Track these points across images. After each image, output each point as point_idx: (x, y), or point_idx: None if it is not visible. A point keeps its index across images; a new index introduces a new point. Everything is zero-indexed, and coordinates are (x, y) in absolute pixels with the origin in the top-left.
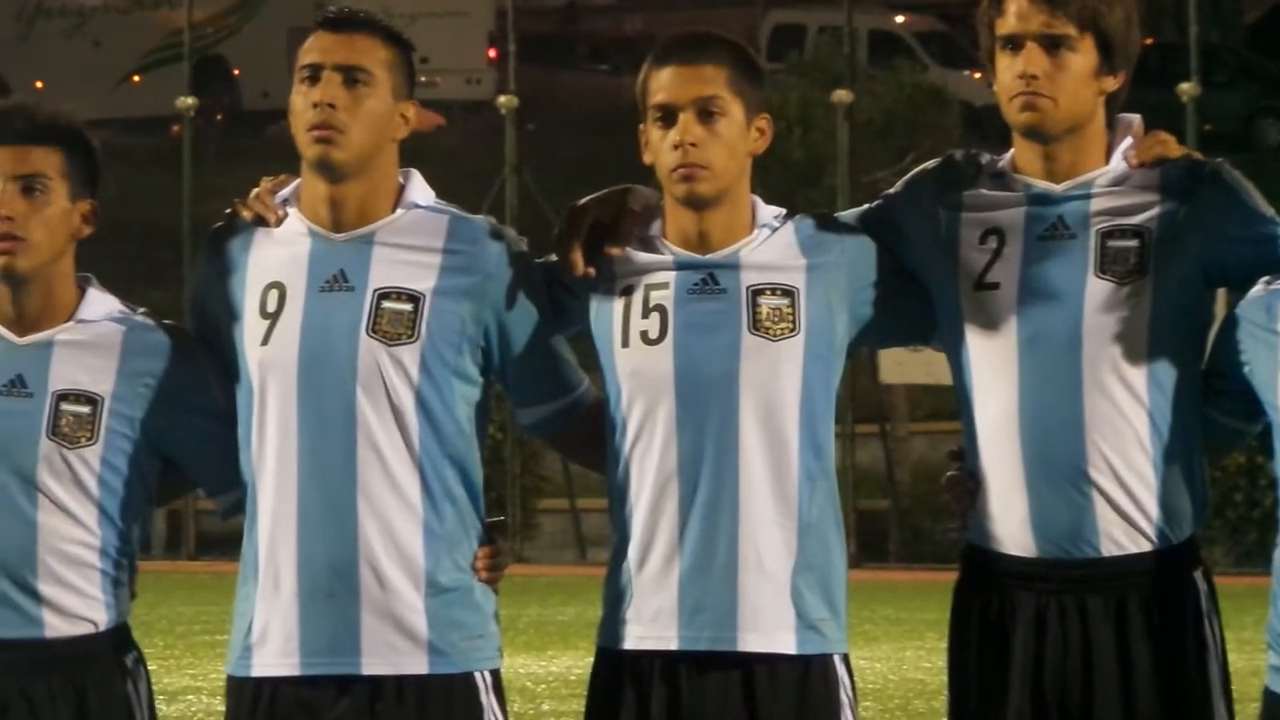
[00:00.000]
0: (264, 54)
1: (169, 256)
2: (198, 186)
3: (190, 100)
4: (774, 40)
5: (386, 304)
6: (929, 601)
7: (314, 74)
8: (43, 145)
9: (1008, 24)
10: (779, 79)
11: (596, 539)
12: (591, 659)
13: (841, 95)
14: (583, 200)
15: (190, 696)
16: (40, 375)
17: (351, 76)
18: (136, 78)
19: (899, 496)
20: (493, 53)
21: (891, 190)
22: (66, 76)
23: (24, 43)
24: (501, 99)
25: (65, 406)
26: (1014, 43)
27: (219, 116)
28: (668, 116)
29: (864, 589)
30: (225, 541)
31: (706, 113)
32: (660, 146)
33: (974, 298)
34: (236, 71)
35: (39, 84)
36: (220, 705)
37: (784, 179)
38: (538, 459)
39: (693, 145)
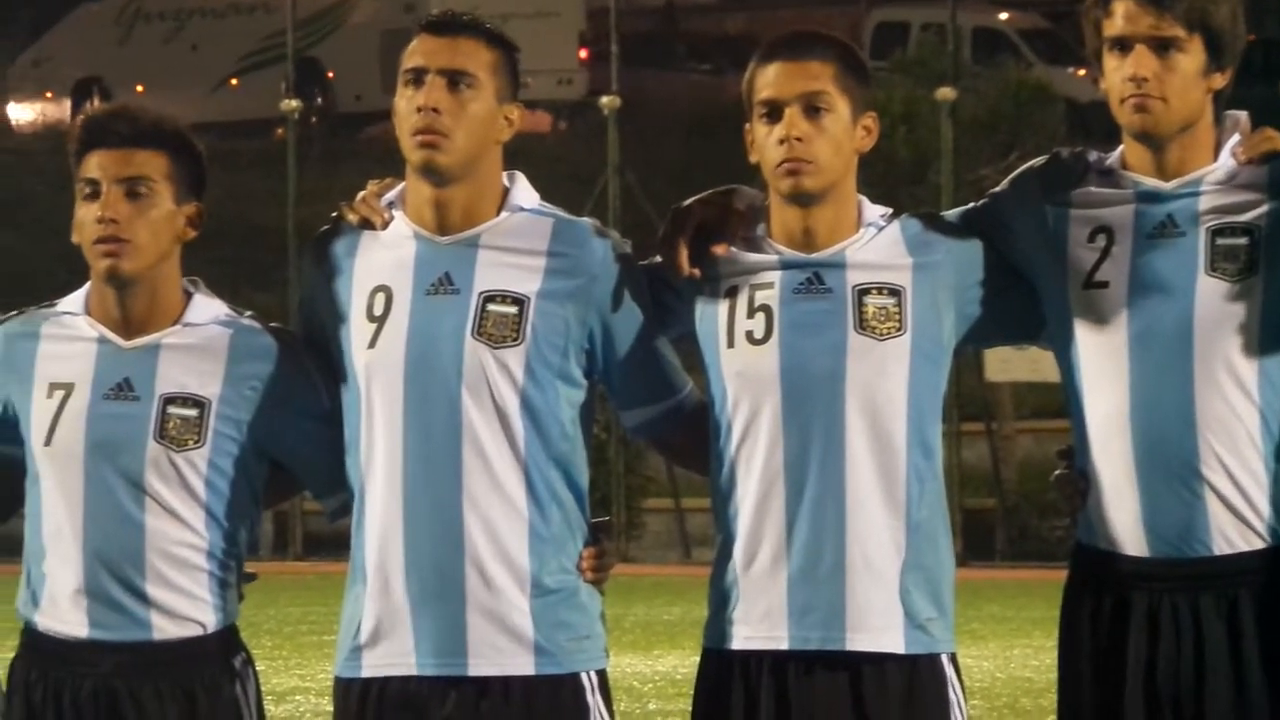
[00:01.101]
0: (357, 57)
1: (272, 259)
2: (299, 189)
3: (295, 103)
4: (877, 38)
5: (492, 307)
6: (1035, 600)
7: (418, 78)
8: (147, 148)
9: (1116, 25)
10: (882, 77)
11: (701, 538)
12: (697, 658)
13: (945, 93)
14: (687, 201)
15: (298, 697)
16: (147, 379)
17: (455, 80)
18: (234, 81)
19: (1005, 495)
20: (584, 53)
21: (998, 188)
22: (165, 80)
23: (123, 47)
24: (604, 99)
25: (172, 410)
26: (1122, 44)
27: (313, 119)
28: (773, 113)
29: (970, 588)
30: (332, 542)
31: (813, 108)
32: (766, 143)
33: (1083, 296)
34: (330, 74)
35: (139, 88)
36: (328, 705)
37: (888, 177)
38: (642, 459)
39: (798, 140)
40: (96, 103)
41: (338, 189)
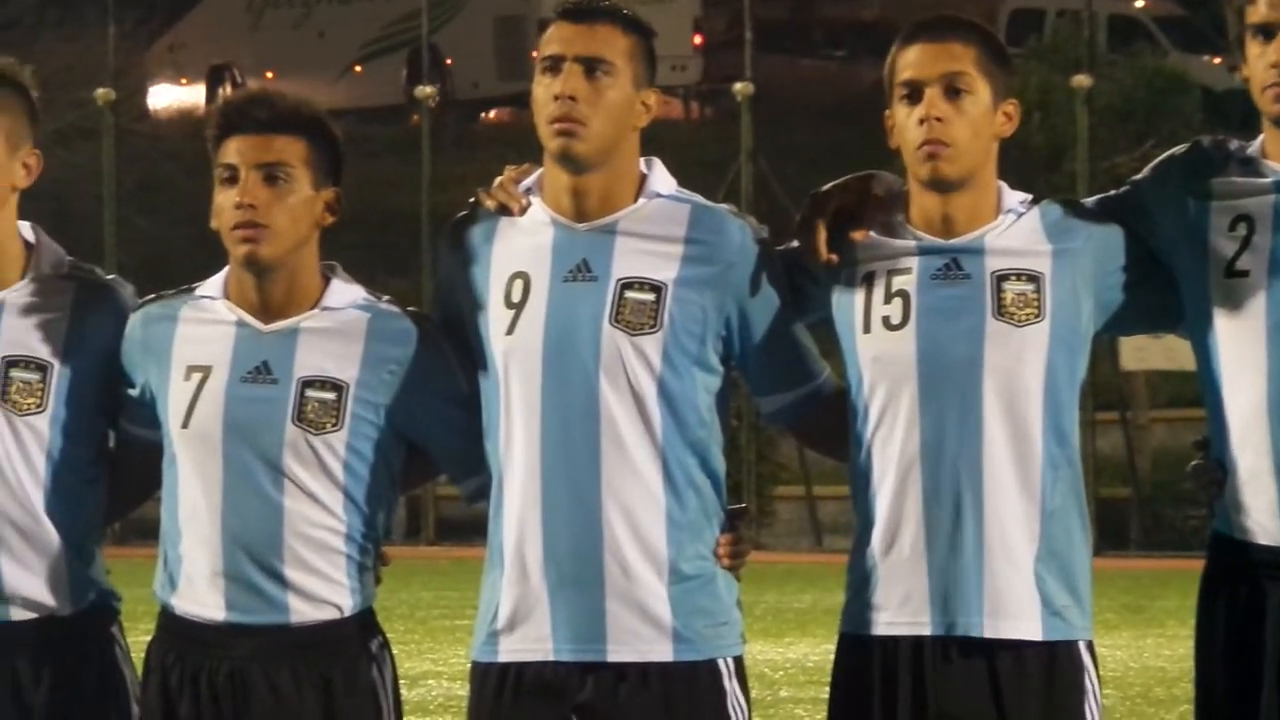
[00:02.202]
0: (473, 44)
1: (405, 245)
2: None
3: (429, 89)
4: (1013, 25)
5: (629, 294)
6: (1169, 589)
7: (555, 65)
8: (285, 134)
9: (1259, 12)
10: (1018, 63)
11: (833, 526)
12: (829, 646)
13: (1081, 80)
14: (826, 186)
15: (430, 681)
16: (286, 362)
17: (592, 67)
18: (358, 68)
19: (1140, 484)
20: (698, 39)
21: (1138, 176)
22: (293, 66)
23: (254, 33)
24: (737, 86)
25: (311, 393)
26: (1266, 32)
27: (432, 105)
28: (914, 94)
29: (1104, 577)
30: (465, 527)
31: (953, 89)
32: (906, 124)
33: (1223, 285)
34: (449, 61)
35: (269, 74)
36: (460, 690)
37: (1023, 164)
38: (773, 446)
39: (938, 120)
40: (229, 89)
41: (470, 175)
